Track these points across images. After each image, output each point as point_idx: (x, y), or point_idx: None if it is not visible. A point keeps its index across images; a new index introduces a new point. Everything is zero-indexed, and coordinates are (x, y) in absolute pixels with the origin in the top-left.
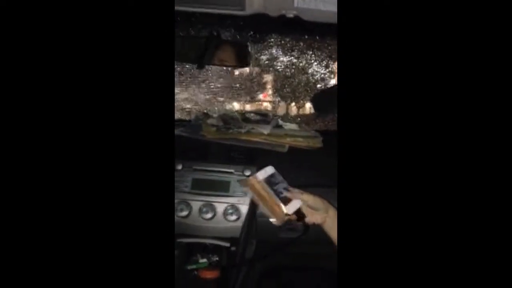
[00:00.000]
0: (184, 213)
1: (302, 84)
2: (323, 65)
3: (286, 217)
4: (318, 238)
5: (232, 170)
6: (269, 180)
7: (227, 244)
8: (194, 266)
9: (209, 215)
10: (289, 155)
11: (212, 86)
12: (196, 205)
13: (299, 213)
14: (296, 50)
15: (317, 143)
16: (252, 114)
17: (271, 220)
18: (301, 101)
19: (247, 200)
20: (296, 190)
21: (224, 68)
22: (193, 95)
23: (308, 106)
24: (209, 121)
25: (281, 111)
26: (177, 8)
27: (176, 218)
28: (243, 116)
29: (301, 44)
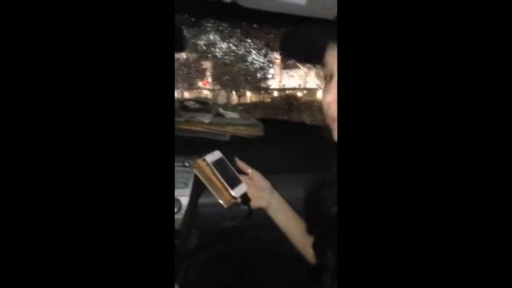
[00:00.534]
0: None
1: (242, 72)
2: (262, 54)
3: (233, 200)
4: (263, 223)
5: None
6: (217, 164)
7: None
8: None
9: None
10: (231, 144)
11: None
12: None
13: (245, 197)
14: (234, 37)
15: (258, 131)
16: (191, 102)
17: (220, 201)
18: (242, 90)
19: (187, 192)
20: (246, 169)
21: None
22: None
23: (249, 95)
24: None
25: (221, 99)
26: None
27: None
28: (182, 104)
29: (239, 31)
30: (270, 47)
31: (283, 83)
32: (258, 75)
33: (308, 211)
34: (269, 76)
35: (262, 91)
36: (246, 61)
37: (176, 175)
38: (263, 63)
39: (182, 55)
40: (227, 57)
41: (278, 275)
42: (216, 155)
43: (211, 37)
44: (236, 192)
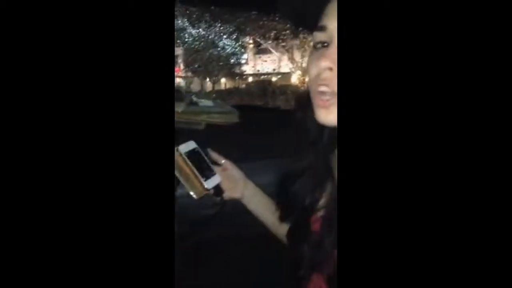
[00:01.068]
0: None
1: (214, 58)
2: (233, 38)
3: (205, 192)
4: (237, 210)
5: None
6: (191, 154)
7: None
8: None
9: None
10: (207, 132)
11: None
12: None
13: (218, 188)
14: (203, 21)
15: (233, 118)
16: None
17: (190, 193)
18: (215, 77)
19: None
20: (219, 160)
21: None
22: None
23: (223, 81)
24: None
25: (195, 87)
26: None
27: None
28: None
29: (208, 15)
30: (241, 30)
31: (257, 68)
32: (231, 60)
33: (281, 199)
34: (243, 61)
35: (237, 77)
36: (217, 46)
37: None
38: (234, 48)
39: None
40: (197, 43)
41: (258, 260)
42: (191, 145)
43: (179, 22)
44: (209, 184)
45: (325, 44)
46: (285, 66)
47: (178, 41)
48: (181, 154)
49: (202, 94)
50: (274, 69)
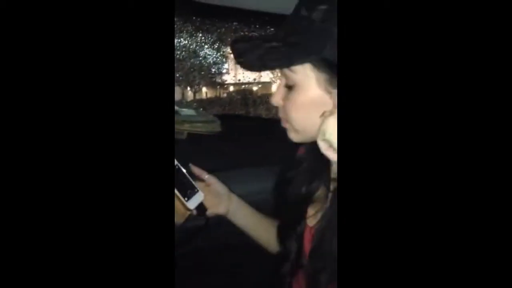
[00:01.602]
0: None
1: (196, 68)
2: (215, 48)
3: (188, 213)
4: (220, 220)
5: None
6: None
7: None
8: None
9: None
10: (189, 142)
11: None
12: None
13: (201, 206)
14: (184, 31)
15: (216, 127)
16: None
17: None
18: (196, 86)
19: None
20: (202, 175)
21: None
22: None
23: (205, 91)
24: None
25: (176, 96)
26: None
27: None
28: None
29: (190, 25)
30: (222, 40)
31: (238, 77)
32: (213, 70)
33: (276, 193)
34: (224, 71)
35: (218, 86)
36: (199, 55)
37: None
38: (216, 57)
39: None
40: (178, 52)
41: (246, 267)
42: None
43: None
44: (192, 204)
45: (293, 87)
46: (266, 75)
47: None
48: None
49: (183, 103)
50: (254, 79)
